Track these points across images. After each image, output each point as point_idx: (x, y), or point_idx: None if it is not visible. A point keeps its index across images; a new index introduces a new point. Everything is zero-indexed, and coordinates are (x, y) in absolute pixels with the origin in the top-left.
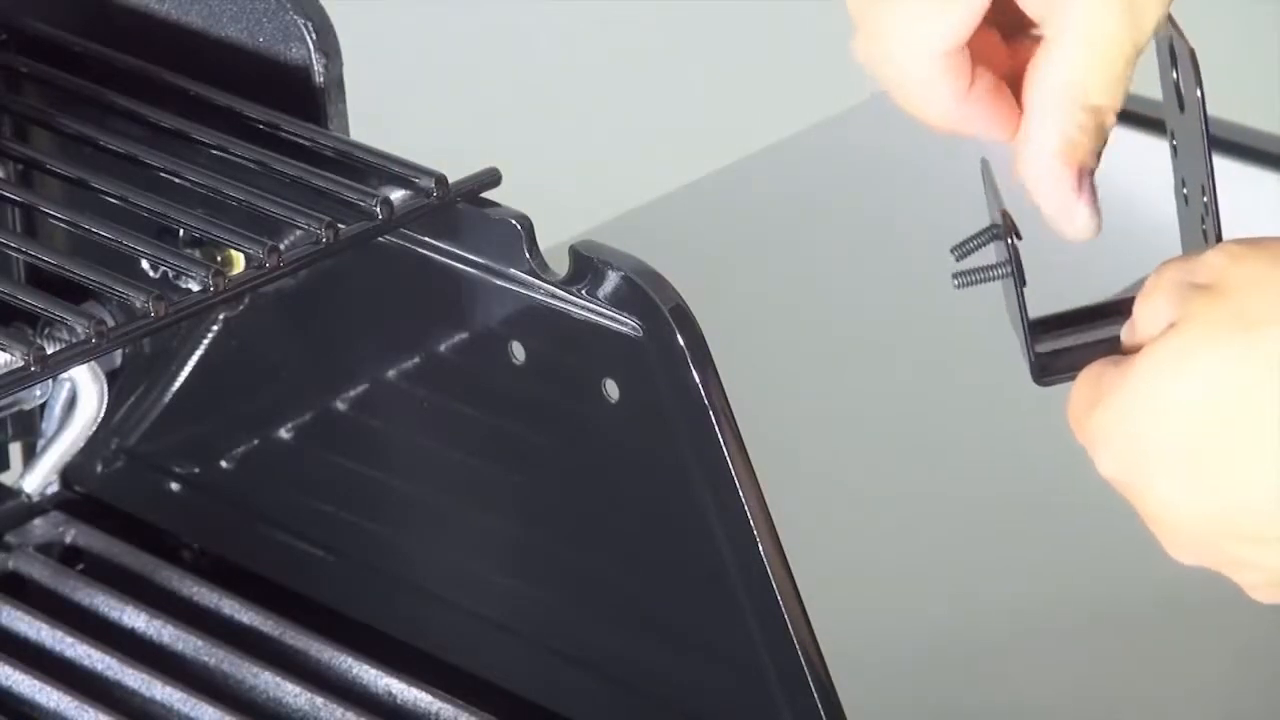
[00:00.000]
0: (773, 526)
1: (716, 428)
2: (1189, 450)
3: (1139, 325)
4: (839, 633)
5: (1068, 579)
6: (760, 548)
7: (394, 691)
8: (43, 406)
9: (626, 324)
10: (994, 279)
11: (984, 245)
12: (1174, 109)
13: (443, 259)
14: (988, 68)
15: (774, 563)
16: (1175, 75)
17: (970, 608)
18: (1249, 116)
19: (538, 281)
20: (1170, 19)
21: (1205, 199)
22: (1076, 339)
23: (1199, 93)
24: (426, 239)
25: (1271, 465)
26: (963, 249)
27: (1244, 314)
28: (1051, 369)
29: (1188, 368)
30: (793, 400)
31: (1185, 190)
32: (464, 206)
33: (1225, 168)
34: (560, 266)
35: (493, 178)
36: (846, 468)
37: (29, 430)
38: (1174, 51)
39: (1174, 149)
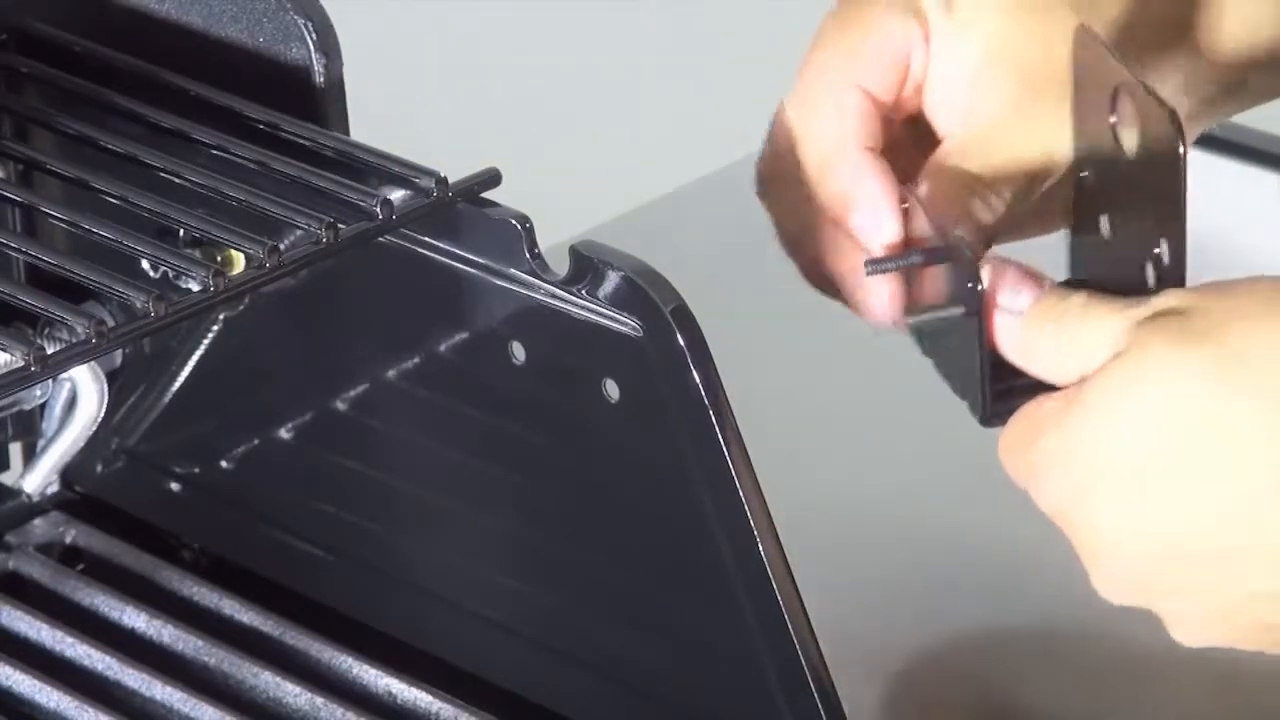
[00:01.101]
0: (773, 526)
1: (716, 428)
2: (1138, 469)
3: (1078, 359)
4: (839, 632)
5: (1069, 577)
6: (760, 547)
7: (394, 691)
8: (43, 406)
9: (626, 324)
10: (952, 320)
11: (915, 265)
12: (1104, 148)
13: (443, 259)
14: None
15: (774, 562)
16: (1112, 118)
17: (973, 606)
18: (1248, 116)
19: (538, 281)
20: (1120, 67)
21: (1159, 251)
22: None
23: (1180, 149)
24: (426, 239)
25: (1221, 479)
26: (879, 266)
27: (1194, 332)
28: (1002, 409)
29: (1139, 387)
30: (793, 400)
31: (1109, 231)
32: (464, 206)
33: (1225, 167)
34: (560, 266)
35: (493, 177)
36: (846, 467)
37: (29, 430)
38: (1118, 99)
39: (1080, 181)
